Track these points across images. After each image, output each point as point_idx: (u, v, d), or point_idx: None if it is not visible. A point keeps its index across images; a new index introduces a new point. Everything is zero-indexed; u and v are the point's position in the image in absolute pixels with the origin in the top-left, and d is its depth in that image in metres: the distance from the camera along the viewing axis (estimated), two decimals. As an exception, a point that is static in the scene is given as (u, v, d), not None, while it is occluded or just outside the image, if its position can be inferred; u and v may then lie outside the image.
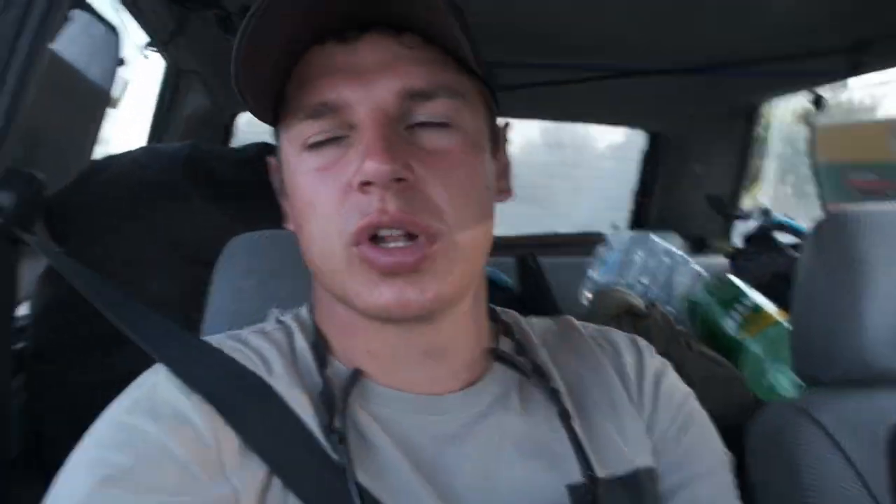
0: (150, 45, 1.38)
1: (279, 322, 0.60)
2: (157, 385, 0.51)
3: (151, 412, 0.49)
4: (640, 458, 0.58)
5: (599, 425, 0.58)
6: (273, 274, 0.77)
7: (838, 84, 1.59)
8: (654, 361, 0.65)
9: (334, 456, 0.50)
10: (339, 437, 0.49)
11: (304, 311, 0.61)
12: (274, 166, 0.59)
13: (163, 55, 1.54)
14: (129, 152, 1.25)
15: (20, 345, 1.11)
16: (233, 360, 0.54)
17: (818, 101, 1.72)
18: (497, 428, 0.55)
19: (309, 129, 0.49)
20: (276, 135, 0.55)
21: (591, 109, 2.10)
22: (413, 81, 0.48)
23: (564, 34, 1.49)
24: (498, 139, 0.58)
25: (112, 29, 1.21)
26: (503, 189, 0.59)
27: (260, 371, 0.54)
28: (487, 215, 0.53)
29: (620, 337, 0.66)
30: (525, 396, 0.57)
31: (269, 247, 0.79)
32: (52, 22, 0.80)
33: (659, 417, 0.61)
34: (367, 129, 0.47)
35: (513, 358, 0.59)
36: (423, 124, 0.50)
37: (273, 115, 0.53)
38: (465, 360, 0.57)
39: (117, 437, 0.47)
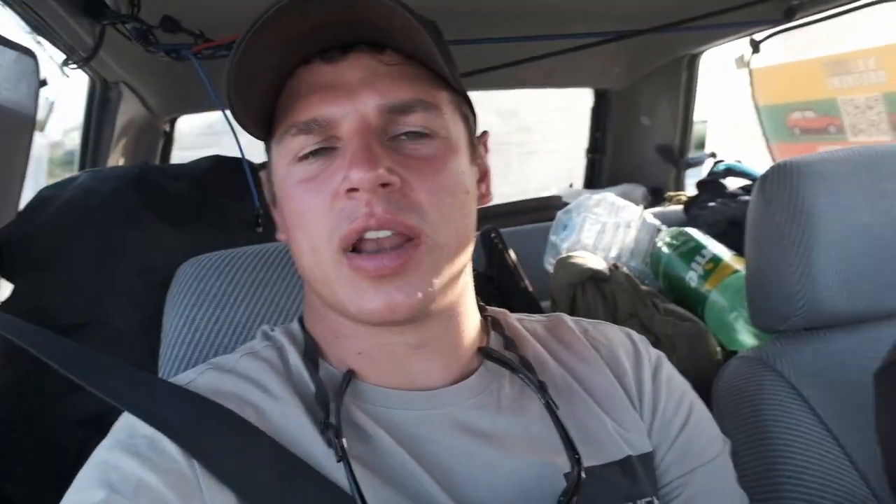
0: (69, 62, 1.31)
1: (267, 338, 0.61)
2: (136, 421, 0.52)
3: (129, 449, 0.50)
4: (635, 444, 0.60)
5: (591, 413, 0.60)
6: (226, 299, 0.75)
7: (774, 28, 1.60)
8: (651, 354, 0.66)
9: (328, 464, 0.51)
10: (335, 432, 0.51)
11: (294, 324, 0.63)
12: (264, 179, 0.62)
13: (85, 70, 1.48)
14: (75, 178, 1.21)
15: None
16: (196, 395, 0.54)
17: (755, 46, 1.74)
18: (491, 420, 0.57)
19: (299, 144, 0.53)
20: (268, 149, 0.58)
21: (537, 76, 2.09)
22: (392, 97, 0.52)
23: (506, 7, 1.48)
24: (475, 146, 0.60)
25: (27, 52, 1.14)
26: (484, 193, 0.62)
27: (257, 395, 0.55)
28: (468, 216, 0.56)
29: (614, 332, 0.68)
30: (515, 390, 0.59)
31: (221, 269, 0.77)
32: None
33: (660, 408, 0.63)
34: (351, 140, 0.51)
35: (501, 354, 0.61)
36: (404, 134, 0.53)
37: (265, 130, 0.56)
38: (453, 356, 0.58)
39: (96, 477, 0.49)
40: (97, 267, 1.08)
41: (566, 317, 0.69)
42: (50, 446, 1.03)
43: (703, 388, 1.00)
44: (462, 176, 0.55)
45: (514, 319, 0.67)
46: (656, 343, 1.18)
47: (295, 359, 0.58)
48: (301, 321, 0.62)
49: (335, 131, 0.52)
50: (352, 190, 0.50)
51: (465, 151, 0.57)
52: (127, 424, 0.53)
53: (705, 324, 1.28)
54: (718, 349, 1.24)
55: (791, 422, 0.86)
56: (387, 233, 0.50)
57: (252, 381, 0.56)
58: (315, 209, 0.52)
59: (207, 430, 0.52)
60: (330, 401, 0.53)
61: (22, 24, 1.14)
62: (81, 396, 1.00)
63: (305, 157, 0.53)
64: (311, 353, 0.58)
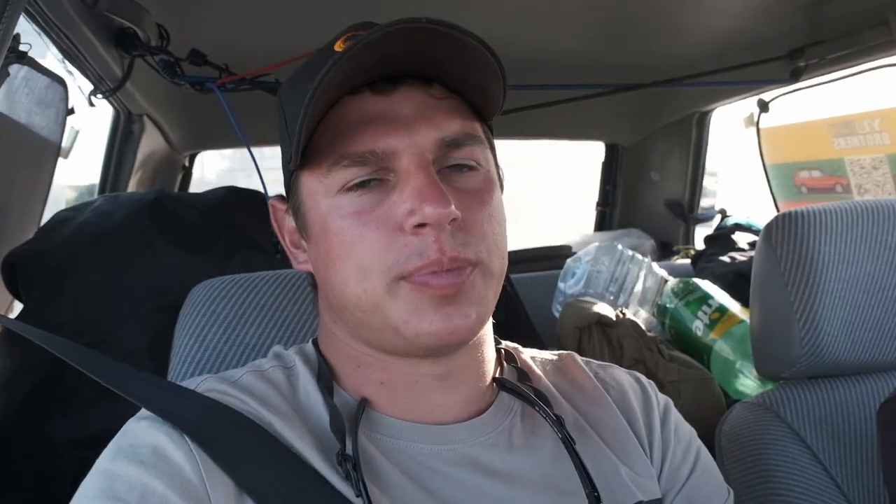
0: (96, 92, 1.36)
1: (277, 358, 0.61)
2: (138, 430, 0.52)
3: (133, 456, 0.49)
4: (644, 490, 0.59)
5: (603, 456, 0.59)
6: (238, 320, 0.76)
7: (782, 89, 1.64)
8: (660, 399, 0.66)
9: (340, 487, 0.50)
10: (352, 464, 0.50)
11: (308, 345, 0.62)
12: (279, 210, 0.62)
13: (110, 101, 1.53)
14: (92, 202, 1.24)
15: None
16: (211, 400, 0.54)
17: (763, 106, 1.78)
18: (503, 458, 0.56)
19: (351, 174, 0.52)
20: (292, 180, 0.57)
21: (548, 126, 2.14)
22: (447, 131, 0.53)
23: (523, 58, 1.53)
24: (500, 174, 0.62)
25: (58, 80, 1.19)
26: None
27: (259, 409, 0.54)
28: (507, 244, 0.57)
29: (623, 375, 0.68)
30: (530, 424, 0.59)
31: (233, 293, 0.78)
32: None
33: (669, 455, 0.63)
34: (414, 175, 0.50)
35: (516, 386, 0.60)
36: (452, 167, 0.54)
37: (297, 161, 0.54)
38: (475, 388, 0.58)
39: (100, 486, 0.48)
40: (108, 288, 1.09)
41: (577, 356, 0.69)
42: (47, 468, 1.02)
43: (708, 434, 1.00)
44: (502, 205, 0.57)
45: (527, 355, 0.67)
46: (661, 389, 1.18)
47: (306, 381, 0.58)
48: (316, 343, 0.62)
49: (390, 163, 0.52)
50: (420, 226, 0.49)
51: (497, 182, 0.58)
52: (128, 434, 0.53)
53: (710, 372, 1.28)
54: (723, 396, 1.23)
55: (794, 468, 0.85)
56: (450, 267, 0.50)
57: (254, 397, 0.55)
58: (372, 242, 0.51)
59: (225, 432, 0.52)
60: (346, 430, 0.52)
61: (54, 51, 1.19)
62: (79, 417, 1.01)
63: (355, 188, 0.52)
64: (326, 378, 0.57)
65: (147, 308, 1.08)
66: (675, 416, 0.66)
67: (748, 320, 1.27)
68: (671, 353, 1.30)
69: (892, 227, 0.90)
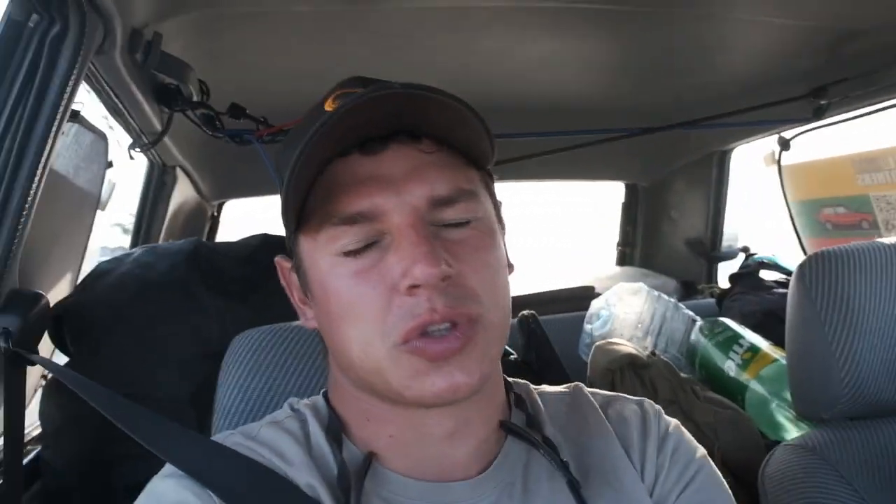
0: (135, 145, 1.41)
1: (293, 410, 0.62)
2: (165, 489, 0.53)
3: None
4: None
5: (605, 494, 0.59)
6: (279, 370, 0.77)
7: (804, 126, 1.66)
8: (661, 425, 0.65)
9: None
10: None
11: (319, 398, 0.62)
12: (285, 268, 0.62)
13: (147, 154, 1.58)
14: (130, 253, 1.27)
15: (30, 456, 1.10)
16: (245, 457, 0.55)
17: (784, 144, 1.79)
18: None
19: (343, 236, 0.52)
20: (293, 240, 0.57)
21: (567, 168, 2.17)
22: (438, 189, 0.53)
23: (542, 105, 1.56)
24: (502, 218, 0.62)
25: (101, 135, 1.24)
26: (509, 263, 0.62)
27: (276, 463, 0.55)
28: (509, 291, 0.57)
29: (628, 404, 0.68)
30: (535, 471, 0.59)
31: (274, 342, 0.79)
32: (52, 141, 0.82)
33: (663, 475, 0.62)
34: (405, 234, 0.51)
35: (524, 432, 0.60)
36: (446, 224, 0.54)
37: (294, 222, 0.55)
38: (484, 439, 0.58)
39: None
40: (152, 338, 1.11)
41: (584, 388, 0.69)
42: None
43: (749, 476, 0.98)
44: (501, 253, 0.57)
45: (537, 394, 0.67)
46: (696, 431, 1.18)
47: (317, 433, 0.58)
48: (326, 396, 0.62)
49: (381, 224, 0.52)
50: (414, 287, 0.50)
51: (497, 227, 0.58)
52: (156, 489, 0.54)
53: (746, 412, 1.27)
54: (760, 435, 1.22)
55: None
56: (447, 325, 0.50)
57: (272, 450, 0.57)
58: (370, 304, 0.51)
59: (255, 490, 0.52)
60: (351, 487, 0.53)
61: (98, 106, 1.24)
62: (134, 465, 1.02)
63: (350, 253, 0.52)
64: (335, 431, 0.58)
65: (190, 356, 1.10)
66: (677, 439, 0.65)
67: (781, 359, 1.27)
68: (705, 394, 1.29)
69: None
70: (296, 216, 0.53)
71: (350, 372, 0.56)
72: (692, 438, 0.66)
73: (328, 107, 0.55)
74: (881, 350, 0.87)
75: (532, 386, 0.68)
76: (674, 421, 0.67)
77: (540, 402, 0.66)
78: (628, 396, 0.69)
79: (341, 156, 0.53)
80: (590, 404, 0.67)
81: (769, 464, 0.93)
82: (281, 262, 0.63)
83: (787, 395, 1.12)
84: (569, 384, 0.70)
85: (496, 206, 0.61)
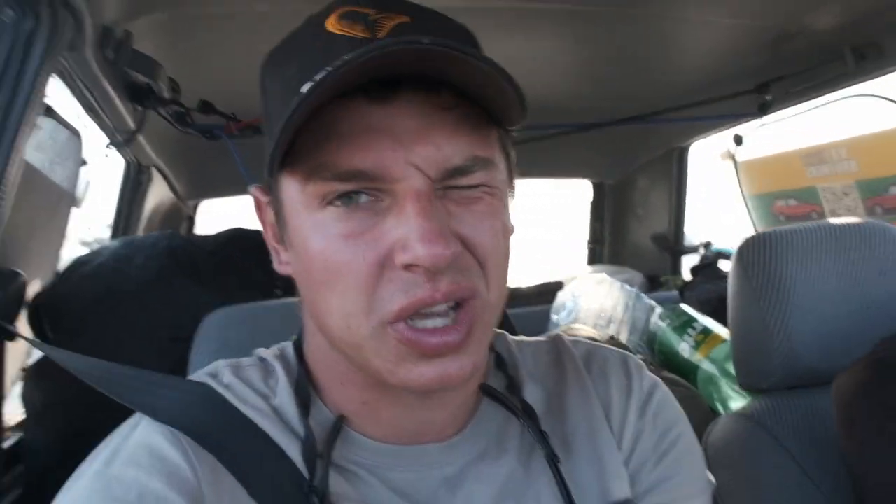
0: (110, 144, 1.44)
1: (261, 359, 0.59)
2: (133, 433, 0.51)
3: (129, 459, 0.48)
4: (616, 491, 0.58)
5: (580, 462, 0.58)
6: (249, 347, 0.81)
7: (753, 122, 1.74)
8: (644, 383, 0.63)
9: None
10: (319, 499, 0.49)
11: (289, 349, 0.59)
12: (261, 201, 0.55)
13: (122, 153, 1.61)
14: (108, 246, 1.31)
15: (10, 441, 1.13)
16: (214, 399, 0.53)
17: (738, 140, 1.88)
18: (482, 478, 0.55)
19: (336, 192, 0.46)
20: (274, 181, 0.50)
21: (535, 166, 2.23)
22: (452, 157, 0.45)
23: None
24: (513, 177, 0.55)
25: (75, 133, 1.27)
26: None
27: (239, 407, 0.53)
28: (510, 263, 0.51)
29: (611, 356, 0.64)
30: (511, 439, 0.57)
31: (245, 321, 0.82)
32: (25, 132, 0.86)
33: (642, 440, 0.60)
34: (411, 202, 0.44)
35: (504, 397, 0.58)
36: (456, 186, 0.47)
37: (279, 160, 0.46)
38: (462, 403, 0.56)
39: (97, 490, 0.47)
40: (131, 323, 1.16)
41: (566, 338, 0.65)
42: None
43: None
44: (509, 227, 0.51)
45: (517, 349, 0.64)
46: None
47: (283, 390, 0.55)
48: (297, 347, 0.58)
49: (384, 184, 0.45)
50: (412, 265, 0.44)
51: (508, 198, 0.52)
52: (123, 433, 0.52)
53: (697, 389, 1.33)
54: (710, 413, 1.28)
55: (777, 474, 0.90)
56: (444, 306, 0.45)
57: (235, 394, 0.54)
58: (355, 274, 0.45)
59: (223, 429, 0.51)
60: (317, 454, 0.50)
61: (72, 104, 1.27)
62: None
63: (337, 201, 0.46)
64: (304, 393, 0.54)
65: (165, 339, 1.14)
66: (660, 401, 0.62)
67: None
68: (660, 374, 1.35)
69: (853, 244, 0.96)
70: (282, 155, 0.45)
71: (327, 336, 0.50)
72: (674, 400, 0.64)
73: (332, 27, 0.47)
74: (812, 324, 0.92)
75: (510, 337, 0.65)
76: (657, 379, 0.64)
77: (519, 355, 0.63)
78: (611, 347, 0.65)
79: (343, 95, 0.44)
80: (570, 358, 0.63)
81: (712, 433, 0.99)
82: (257, 195, 0.55)
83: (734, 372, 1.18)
84: (550, 333, 0.67)
85: (510, 165, 0.53)
